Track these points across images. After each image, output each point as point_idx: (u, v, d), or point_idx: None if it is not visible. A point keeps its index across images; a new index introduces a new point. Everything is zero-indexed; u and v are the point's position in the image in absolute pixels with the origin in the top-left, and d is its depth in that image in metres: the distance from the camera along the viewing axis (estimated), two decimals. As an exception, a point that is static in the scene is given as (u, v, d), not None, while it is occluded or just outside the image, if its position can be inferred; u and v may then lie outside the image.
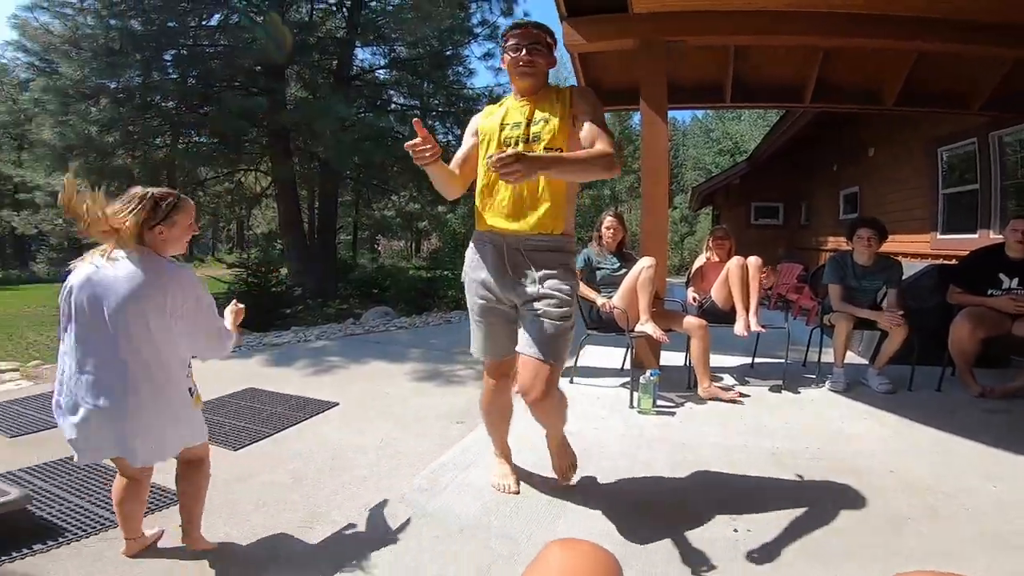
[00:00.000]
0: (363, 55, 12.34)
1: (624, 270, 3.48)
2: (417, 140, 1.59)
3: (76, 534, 1.95)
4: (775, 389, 3.46)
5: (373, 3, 11.53)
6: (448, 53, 11.75)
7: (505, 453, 2.20)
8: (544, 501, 2.00)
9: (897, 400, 3.26)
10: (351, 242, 18.49)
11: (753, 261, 3.50)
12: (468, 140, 1.94)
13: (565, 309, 1.73)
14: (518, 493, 2.06)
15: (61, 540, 1.91)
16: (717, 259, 3.79)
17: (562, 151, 1.71)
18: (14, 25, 10.05)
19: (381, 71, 12.48)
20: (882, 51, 4.37)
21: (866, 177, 8.27)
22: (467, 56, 12.24)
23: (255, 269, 8.88)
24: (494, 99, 12.17)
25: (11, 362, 5.66)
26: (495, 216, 1.78)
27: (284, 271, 8.99)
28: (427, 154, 1.61)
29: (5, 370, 5.07)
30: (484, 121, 1.88)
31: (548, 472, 2.21)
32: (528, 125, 1.76)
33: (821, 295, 3.79)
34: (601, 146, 1.64)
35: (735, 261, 3.52)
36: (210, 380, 4.31)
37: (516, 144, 1.73)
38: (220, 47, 10.25)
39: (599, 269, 3.55)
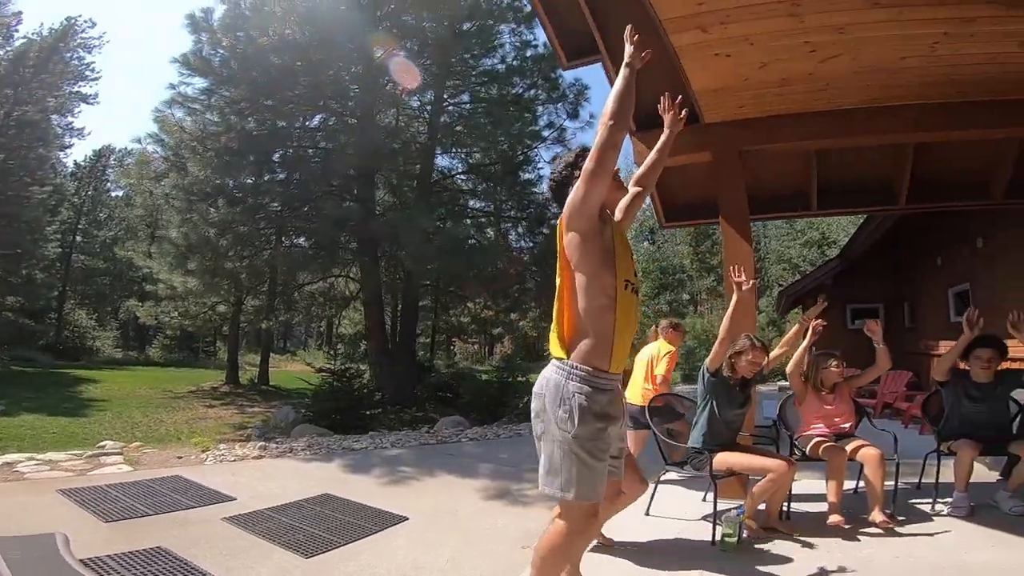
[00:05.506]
0: (442, 161, 13.00)
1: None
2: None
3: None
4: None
5: (450, 107, 12.27)
6: (519, 158, 12.08)
7: None
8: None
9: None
10: (429, 344, 19.10)
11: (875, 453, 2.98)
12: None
13: None
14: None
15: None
16: (826, 391, 3.28)
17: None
18: (156, 119, 11.12)
19: (460, 176, 13.12)
20: (983, 141, 3.96)
21: (977, 272, 7.39)
22: (537, 159, 12.45)
23: (340, 374, 9.28)
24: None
25: (117, 442, 6.11)
26: (619, 362, 1.67)
27: (367, 375, 9.31)
28: None
29: (110, 452, 5.42)
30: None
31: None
32: None
33: (932, 411, 3.39)
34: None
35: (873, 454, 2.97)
36: (290, 480, 4.47)
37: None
38: (319, 149, 10.91)
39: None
